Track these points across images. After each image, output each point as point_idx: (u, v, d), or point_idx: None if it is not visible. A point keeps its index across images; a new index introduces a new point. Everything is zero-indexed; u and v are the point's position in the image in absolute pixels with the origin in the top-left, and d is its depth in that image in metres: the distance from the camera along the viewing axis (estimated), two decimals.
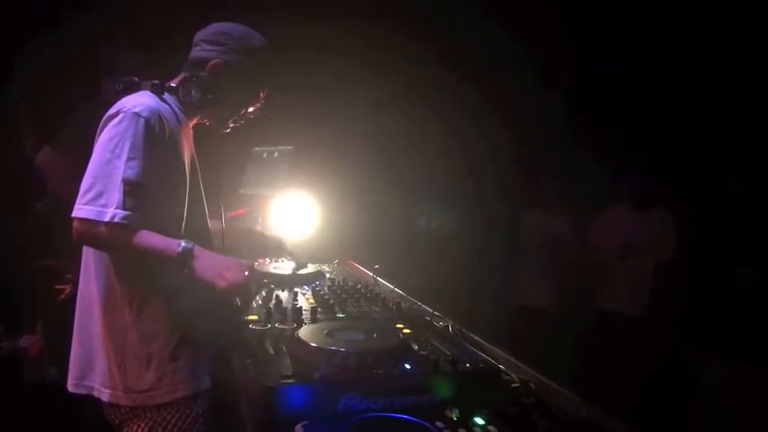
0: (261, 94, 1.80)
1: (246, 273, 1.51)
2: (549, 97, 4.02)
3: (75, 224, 1.43)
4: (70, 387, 1.61)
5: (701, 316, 3.27)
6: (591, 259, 3.89)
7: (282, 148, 2.80)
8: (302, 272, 2.40)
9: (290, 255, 2.47)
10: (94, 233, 1.42)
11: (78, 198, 1.43)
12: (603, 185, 3.84)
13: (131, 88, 1.62)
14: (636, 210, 3.74)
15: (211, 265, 1.46)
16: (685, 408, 2.93)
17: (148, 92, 1.61)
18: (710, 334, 3.02)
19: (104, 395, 1.54)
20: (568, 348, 3.36)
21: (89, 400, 1.58)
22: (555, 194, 4.04)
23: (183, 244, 1.45)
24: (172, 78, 1.70)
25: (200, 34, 1.73)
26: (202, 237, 1.67)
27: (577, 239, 3.94)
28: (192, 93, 1.65)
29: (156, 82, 1.63)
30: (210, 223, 1.82)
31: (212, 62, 1.67)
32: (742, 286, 3.20)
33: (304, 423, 1.07)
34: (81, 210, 1.42)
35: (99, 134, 1.52)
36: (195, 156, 1.74)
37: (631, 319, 3.60)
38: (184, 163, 1.63)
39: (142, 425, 1.53)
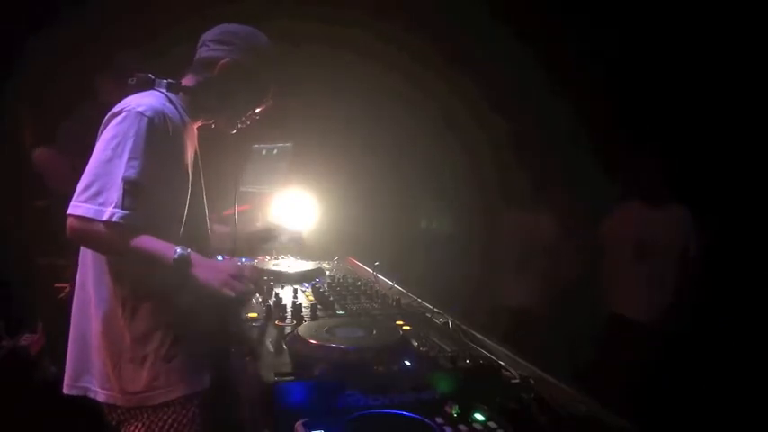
0: (268, 94, 1.79)
1: (245, 272, 1.50)
2: (552, 94, 3.99)
3: (70, 221, 1.41)
4: (65, 389, 1.60)
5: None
6: (601, 259, 3.73)
7: (281, 145, 2.80)
8: (302, 269, 2.39)
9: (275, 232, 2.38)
10: (91, 231, 1.41)
11: (76, 195, 1.42)
12: (613, 182, 3.71)
13: (145, 84, 1.61)
14: (651, 207, 3.54)
15: (213, 273, 1.44)
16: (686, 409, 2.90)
17: (155, 91, 1.60)
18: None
19: (101, 396, 1.54)
20: (570, 349, 3.31)
21: (88, 400, 1.58)
22: (561, 192, 3.89)
23: (179, 251, 1.43)
24: (178, 78, 1.69)
25: (208, 35, 1.72)
26: (200, 238, 1.66)
27: (587, 238, 3.76)
28: (206, 95, 1.65)
29: (173, 81, 1.63)
30: (218, 222, 1.81)
31: (222, 61, 1.66)
32: None
33: (304, 420, 1.06)
34: (78, 207, 1.40)
35: (101, 131, 1.50)
36: (199, 157, 1.74)
37: (642, 324, 3.42)
38: (187, 165, 1.61)
39: (139, 425, 1.53)
